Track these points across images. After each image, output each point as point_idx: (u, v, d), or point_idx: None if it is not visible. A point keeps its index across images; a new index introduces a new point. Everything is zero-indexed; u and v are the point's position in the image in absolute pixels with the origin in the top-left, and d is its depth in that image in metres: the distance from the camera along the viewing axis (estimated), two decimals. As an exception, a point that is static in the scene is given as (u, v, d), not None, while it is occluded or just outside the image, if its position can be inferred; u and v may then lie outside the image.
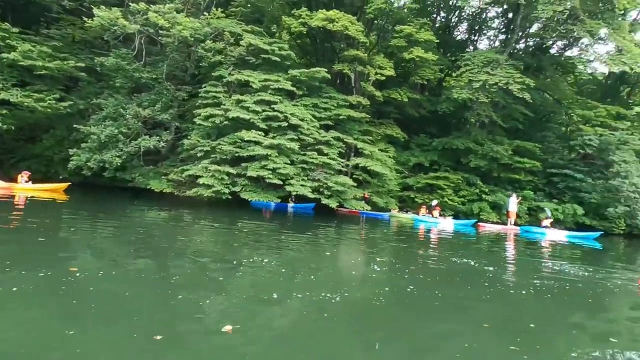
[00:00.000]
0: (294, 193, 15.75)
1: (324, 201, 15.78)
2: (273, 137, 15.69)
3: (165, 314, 4.02)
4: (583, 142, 21.15)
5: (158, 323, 3.74)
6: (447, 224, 17.17)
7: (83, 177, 18.21)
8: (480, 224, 18.18)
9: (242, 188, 15.58)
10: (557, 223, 18.31)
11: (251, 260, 6.69)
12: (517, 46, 23.40)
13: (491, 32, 27.14)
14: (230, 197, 15.61)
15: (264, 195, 15.69)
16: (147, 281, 5.08)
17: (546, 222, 17.23)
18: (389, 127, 21.01)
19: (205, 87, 17.53)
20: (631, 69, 17.24)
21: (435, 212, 18.14)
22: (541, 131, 24.33)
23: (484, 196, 20.33)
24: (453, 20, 26.75)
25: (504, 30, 25.14)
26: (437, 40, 20.65)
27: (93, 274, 5.08)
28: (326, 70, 17.62)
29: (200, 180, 15.13)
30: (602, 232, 17.53)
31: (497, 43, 25.77)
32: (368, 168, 17.51)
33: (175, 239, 8.67)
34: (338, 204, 16.24)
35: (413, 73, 21.41)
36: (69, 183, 16.75)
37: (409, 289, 5.66)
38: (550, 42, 23.36)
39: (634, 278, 7.99)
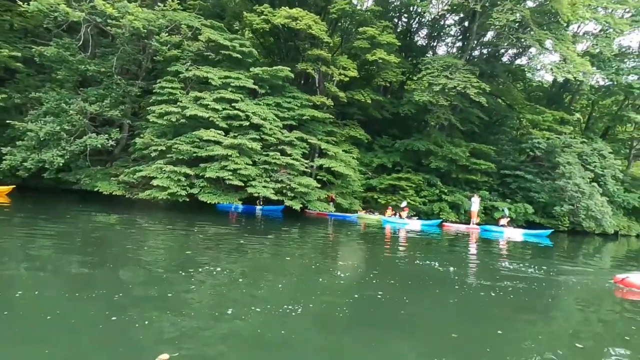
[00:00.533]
0: (258, 195, 15.19)
1: (287, 203, 15.39)
2: (234, 137, 15.03)
3: (92, 340, 3.44)
4: (532, 145, 22.52)
5: (79, 353, 3.19)
6: (415, 225, 17.41)
7: (20, 178, 16.43)
8: (445, 224, 18.67)
9: (201, 190, 14.77)
10: (510, 221, 19.24)
11: (206, 269, 6.16)
12: (473, 53, 24.46)
13: (449, 39, 28.31)
14: (187, 199, 14.76)
15: (224, 197, 14.97)
16: (80, 300, 4.42)
17: (503, 222, 18.02)
18: (353, 128, 21.03)
19: (160, 82, 16.48)
20: (574, 77, 18.53)
21: (404, 213, 18.33)
22: (495, 134, 25.64)
23: (443, 196, 20.95)
24: (414, 25, 27.50)
25: (460, 37, 26.21)
26: (399, 44, 20.99)
27: (11, 292, 4.34)
28: (289, 69, 17.23)
29: (155, 182, 14.12)
30: (552, 230, 18.64)
31: (454, 50, 26.83)
32: (332, 169, 17.34)
33: (123, 247, 7.88)
34: (302, 205, 15.90)
35: (376, 75, 21.61)
36: (14, 186, 15.05)
37: (378, 296, 5.44)
38: (503, 51, 24.73)
39: (585, 271, 8.43)
